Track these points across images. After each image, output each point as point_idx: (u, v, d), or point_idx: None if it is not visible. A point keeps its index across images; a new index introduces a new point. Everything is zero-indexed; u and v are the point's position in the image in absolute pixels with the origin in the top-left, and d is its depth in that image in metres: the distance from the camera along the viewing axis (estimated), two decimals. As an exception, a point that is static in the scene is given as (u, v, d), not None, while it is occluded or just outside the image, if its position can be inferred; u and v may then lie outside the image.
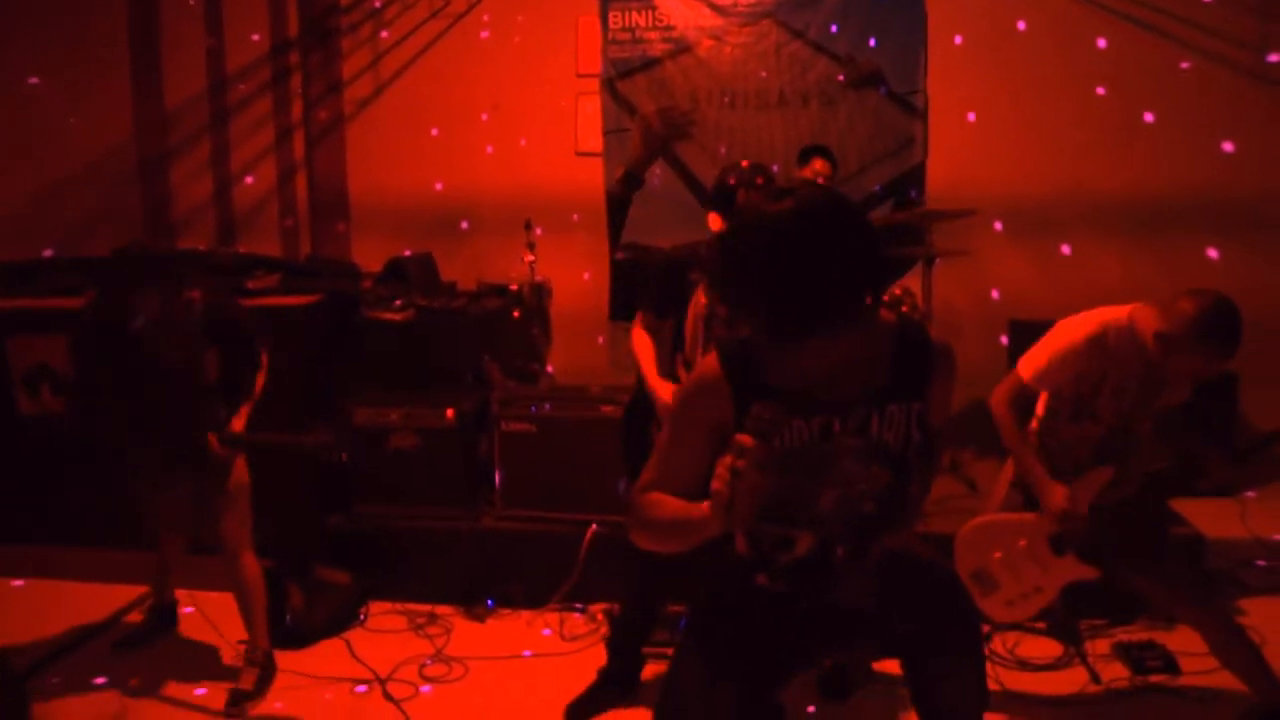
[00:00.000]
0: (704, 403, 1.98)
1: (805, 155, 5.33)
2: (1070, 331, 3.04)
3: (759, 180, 3.24)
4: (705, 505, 1.82)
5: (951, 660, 2.08)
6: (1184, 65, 5.63)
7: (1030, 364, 3.10)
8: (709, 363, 2.00)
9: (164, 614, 3.99)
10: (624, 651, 3.46)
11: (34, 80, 6.30)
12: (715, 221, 3.21)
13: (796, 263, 1.77)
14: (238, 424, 3.47)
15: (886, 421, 1.95)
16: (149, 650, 3.84)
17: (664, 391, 3.18)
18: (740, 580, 2.11)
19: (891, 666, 3.36)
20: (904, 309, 4.51)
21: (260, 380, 3.58)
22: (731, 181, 3.22)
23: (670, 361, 3.30)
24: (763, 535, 2.05)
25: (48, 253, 5.85)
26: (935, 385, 1.99)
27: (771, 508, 1.95)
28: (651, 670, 3.43)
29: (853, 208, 1.87)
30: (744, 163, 3.30)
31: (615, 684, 3.40)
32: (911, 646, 2.10)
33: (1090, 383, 3.04)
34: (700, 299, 3.21)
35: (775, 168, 5.83)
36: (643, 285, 3.48)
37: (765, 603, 2.09)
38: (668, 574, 3.27)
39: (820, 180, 5.26)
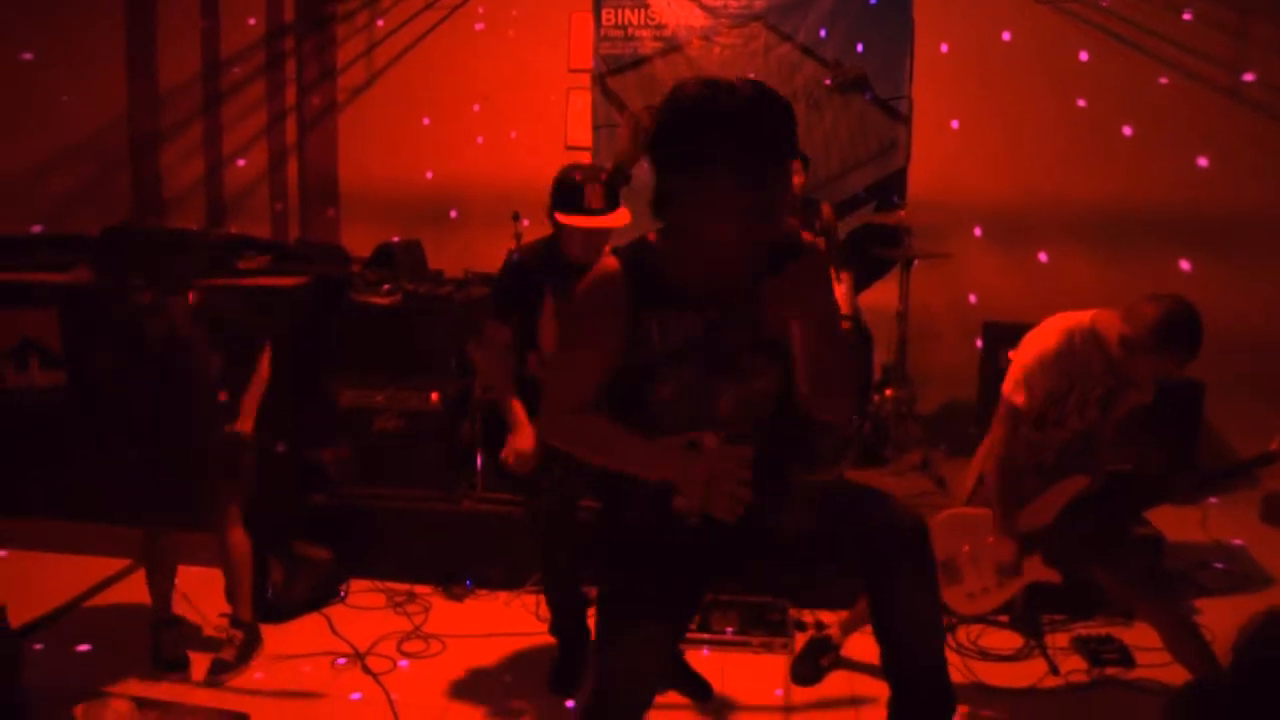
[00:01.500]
0: (602, 300, 2.09)
1: None
2: (1040, 340, 3.09)
3: (602, 175, 3.30)
4: (677, 457, 2.04)
5: (905, 581, 2.10)
6: (1162, 81, 5.76)
7: (1014, 388, 3.12)
8: (608, 261, 2.11)
9: (172, 625, 3.77)
10: (565, 635, 3.57)
11: (27, 56, 6.32)
12: (575, 220, 3.22)
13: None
14: (245, 424, 3.50)
15: (771, 318, 2.09)
16: (130, 620, 3.87)
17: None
18: (659, 507, 2.16)
19: (857, 653, 3.49)
20: None
21: (264, 372, 3.60)
22: (578, 178, 3.24)
23: (521, 363, 3.39)
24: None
25: (36, 228, 5.89)
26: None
27: (673, 414, 2.10)
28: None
29: None
30: (580, 164, 3.35)
31: (560, 674, 3.50)
32: (857, 549, 2.12)
33: (1059, 391, 3.11)
34: (549, 298, 3.29)
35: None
36: (494, 293, 3.52)
37: (688, 531, 2.15)
38: (581, 554, 3.41)
39: (794, 181, 5.36)
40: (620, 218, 3.30)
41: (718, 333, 2.09)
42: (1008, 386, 3.14)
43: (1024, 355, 3.13)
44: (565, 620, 3.57)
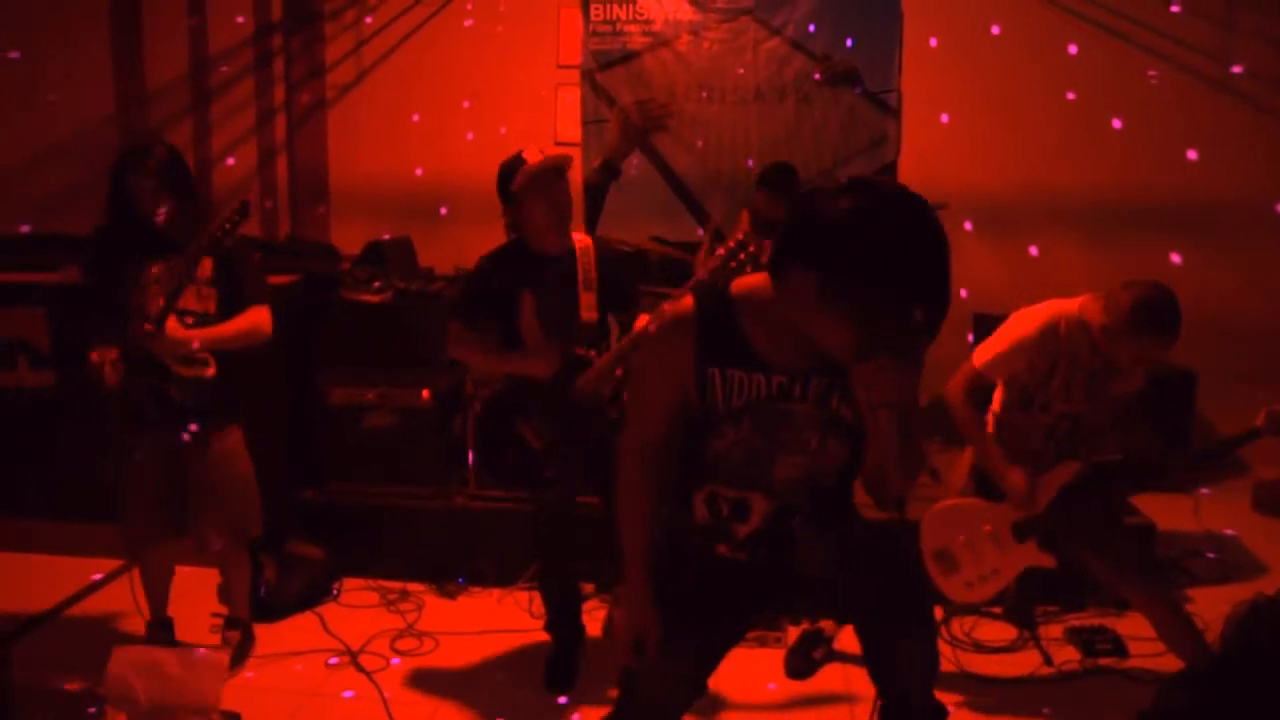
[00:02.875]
0: (670, 343, 2.01)
1: (757, 183, 5.09)
2: (1025, 322, 3.15)
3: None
4: (640, 586, 2.10)
5: (907, 629, 2.16)
6: (1151, 74, 5.77)
7: (984, 353, 3.21)
8: (684, 302, 2.02)
9: (166, 628, 3.70)
10: (562, 632, 3.57)
11: (14, 55, 6.28)
12: (526, 169, 3.24)
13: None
14: (170, 328, 3.21)
15: (845, 396, 1.99)
16: (125, 620, 3.84)
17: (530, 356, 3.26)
18: (702, 549, 2.18)
19: (851, 645, 3.49)
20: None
21: (229, 329, 3.31)
22: (512, 155, 3.27)
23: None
24: (720, 501, 2.12)
25: (25, 228, 5.86)
26: None
27: (727, 469, 2.05)
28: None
29: None
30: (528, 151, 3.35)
31: (556, 671, 3.50)
32: (869, 614, 2.17)
33: (1040, 373, 3.15)
34: (527, 298, 3.28)
35: (750, 163, 5.98)
36: (459, 295, 3.52)
37: (726, 570, 2.17)
38: (576, 554, 3.42)
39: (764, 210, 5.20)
40: (565, 158, 3.33)
41: (787, 401, 2.00)
42: (978, 352, 3.24)
43: (1006, 331, 3.20)
44: (562, 616, 3.56)
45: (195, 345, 3.28)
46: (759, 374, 1.98)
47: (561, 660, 3.51)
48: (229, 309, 3.34)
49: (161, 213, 3.25)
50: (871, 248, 1.71)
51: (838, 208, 1.74)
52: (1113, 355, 3.04)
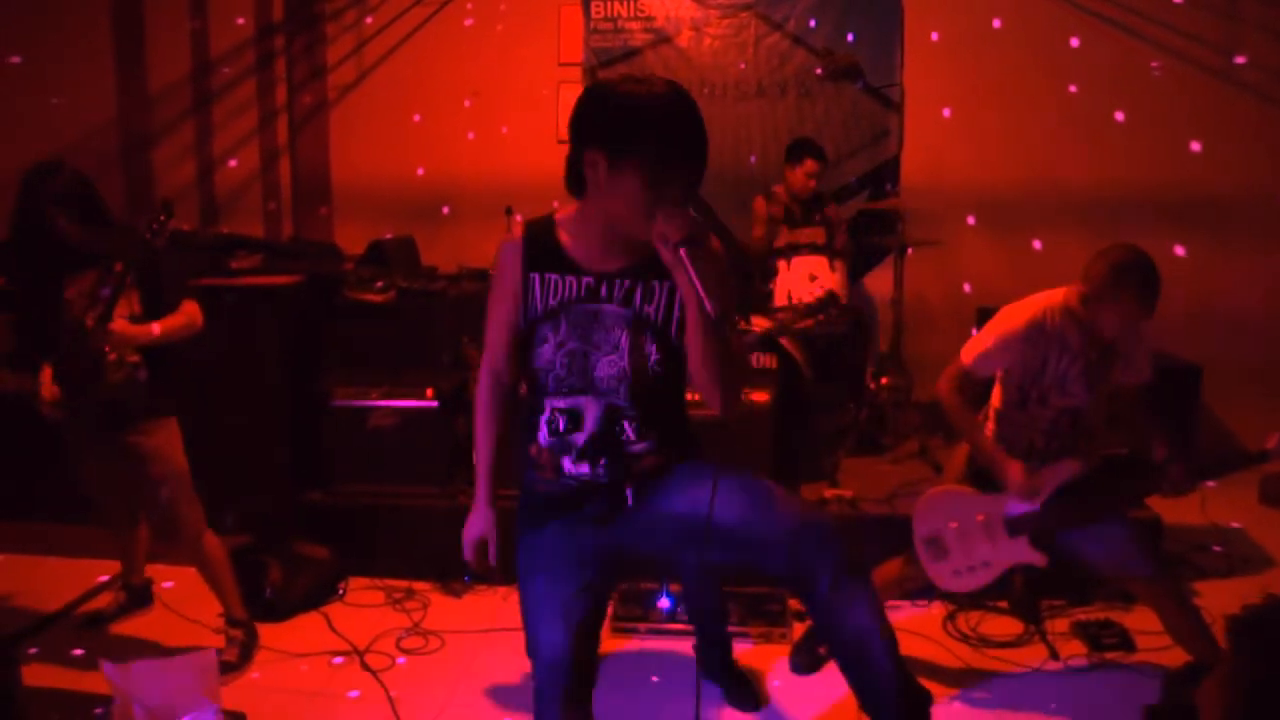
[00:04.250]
0: (502, 262, 2.27)
1: (798, 152, 5.35)
2: (1011, 317, 3.12)
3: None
4: (481, 495, 2.41)
5: (833, 590, 2.12)
6: (1154, 65, 5.75)
7: (971, 349, 3.18)
8: (515, 228, 2.32)
9: (134, 593, 3.94)
10: None
11: (15, 59, 6.30)
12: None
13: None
14: (120, 326, 3.21)
15: (647, 295, 2.20)
16: (131, 623, 3.87)
17: None
18: (550, 471, 2.30)
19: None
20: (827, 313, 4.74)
21: (176, 321, 3.33)
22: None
23: None
24: (557, 417, 2.26)
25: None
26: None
27: (553, 376, 2.22)
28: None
29: None
30: None
31: None
32: (777, 551, 2.16)
33: (1032, 368, 3.12)
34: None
35: (753, 159, 5.97)
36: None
37: (580, 497, 2.29)
38: None
39: (811, 180, 5.34)
40: None
41: (595, 301, 2.21)
42: (967, 348, 3.21)
43: (993, 327, 3.17)
44: None
45: (156, 333, 3.28)
46: (571, 275, 2.22)
47: None
48: (154, 307, 3.34)
49: (70, 234, 3.27)
50: (653, 115, 2.03)
51: (623, 92, 2.06)
52: (1098, 326, 3.02)
